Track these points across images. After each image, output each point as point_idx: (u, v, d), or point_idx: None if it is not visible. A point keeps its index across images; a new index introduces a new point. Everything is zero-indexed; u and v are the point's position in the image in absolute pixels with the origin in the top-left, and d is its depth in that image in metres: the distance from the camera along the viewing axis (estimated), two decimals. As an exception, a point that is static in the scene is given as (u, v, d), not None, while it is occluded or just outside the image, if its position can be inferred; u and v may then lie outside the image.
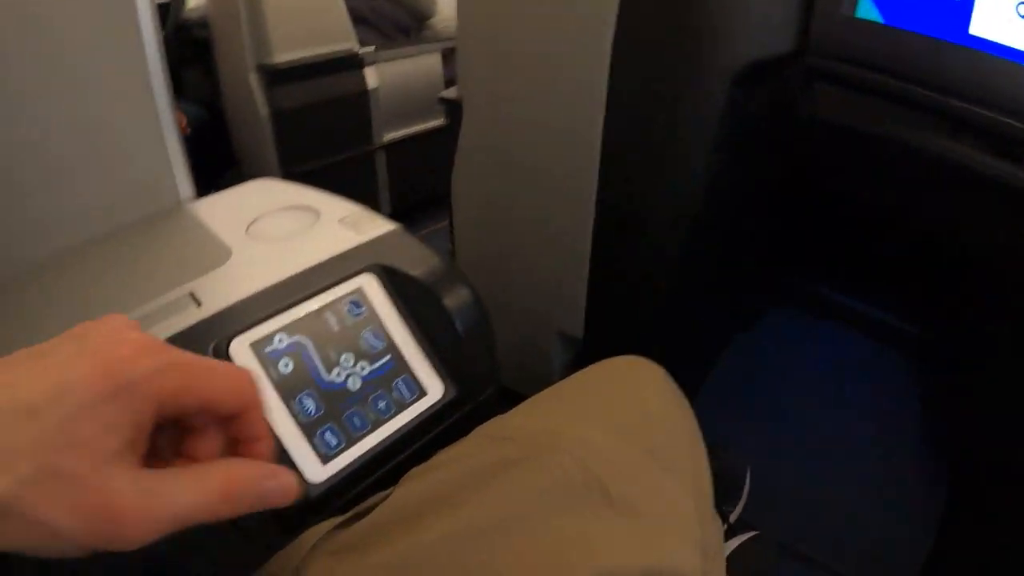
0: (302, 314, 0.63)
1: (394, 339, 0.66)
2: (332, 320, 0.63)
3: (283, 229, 0.79)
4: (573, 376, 0.71)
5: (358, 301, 0.65)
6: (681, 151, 1.04)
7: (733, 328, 1.70)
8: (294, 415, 0.59)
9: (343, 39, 2.09)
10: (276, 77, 2.02)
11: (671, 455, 0.59)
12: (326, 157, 2.14)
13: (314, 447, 0.59)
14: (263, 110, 2.03)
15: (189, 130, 2.27)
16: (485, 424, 0.62)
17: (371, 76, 2.15)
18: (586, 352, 1.41)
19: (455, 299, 0.67)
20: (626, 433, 0.58)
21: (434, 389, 0.67)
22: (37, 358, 0.31)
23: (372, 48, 2.14)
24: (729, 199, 1.19)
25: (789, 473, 1.37)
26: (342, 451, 0.61)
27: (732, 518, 1.23)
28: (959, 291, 1.42)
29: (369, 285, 0.67)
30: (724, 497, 1.25)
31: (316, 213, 0.81)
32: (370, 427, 0.62)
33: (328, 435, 0.60)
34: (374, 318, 0.65)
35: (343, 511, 0.58)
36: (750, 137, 1.13)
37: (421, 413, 0.65)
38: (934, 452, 1.44)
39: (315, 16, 2.04)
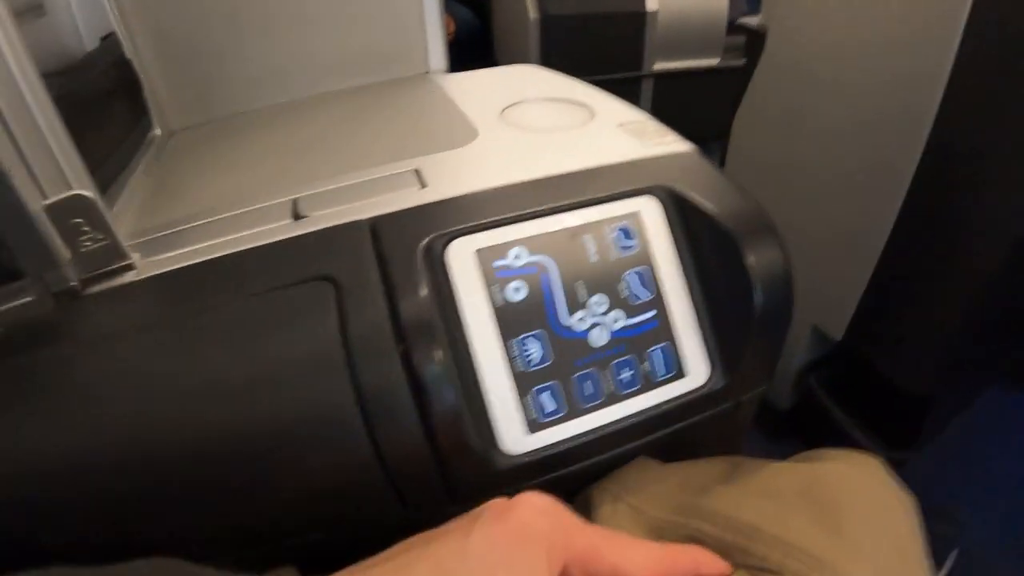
0: (552, 229, 0.46)
1: (666, 292, 0.48)
2: (591, 246, 0.46)
3: (546, 120, 0.62)
4: (800, 469, 0.51)
5: (630, 229, 0.47)
6: None
7: (1001, 380, 1.38)
8: (510, 359, 0.43)
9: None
10: (551, -20, 1.86)
11: None
12: (590, 74, 1.97)
13: (523, 407, 0.43)
14: (532, 13, 1.89)
15: (454, 34, 2.20)
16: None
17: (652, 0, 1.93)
18: (837, 357, 1.18)
19: (763, 259, 0.47)
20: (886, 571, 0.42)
21: (697, 371, 0.48)
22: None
23: (655, -29, 1.92)
24: None
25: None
26: (559, 422, 0.44)
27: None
28: None
29: (649, 211, 0.48)
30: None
31: (590, 111, 0.64)
32: (604, 399, 0.45)
33: (546, 397, 0.44)
34: (647, 256, 0.47)
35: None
36: None
37: (672, 399, 0.47)
38: None
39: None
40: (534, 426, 0.43)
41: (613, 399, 0.45)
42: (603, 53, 1.98)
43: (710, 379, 0.48)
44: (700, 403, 0.48)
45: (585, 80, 1.99)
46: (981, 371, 1.18)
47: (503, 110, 0.65)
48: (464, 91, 0.73)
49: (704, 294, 0.49)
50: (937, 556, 1.06)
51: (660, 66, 2.06)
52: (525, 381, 0.43)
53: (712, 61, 2.09)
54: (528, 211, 0.46)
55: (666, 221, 0.49)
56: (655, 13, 1.94)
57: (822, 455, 0.52)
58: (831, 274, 1.03)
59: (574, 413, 0.44)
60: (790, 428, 1.30)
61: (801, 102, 1.02)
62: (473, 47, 2.34)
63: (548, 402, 0.44)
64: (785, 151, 1.06)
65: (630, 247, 0.47)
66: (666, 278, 0.48)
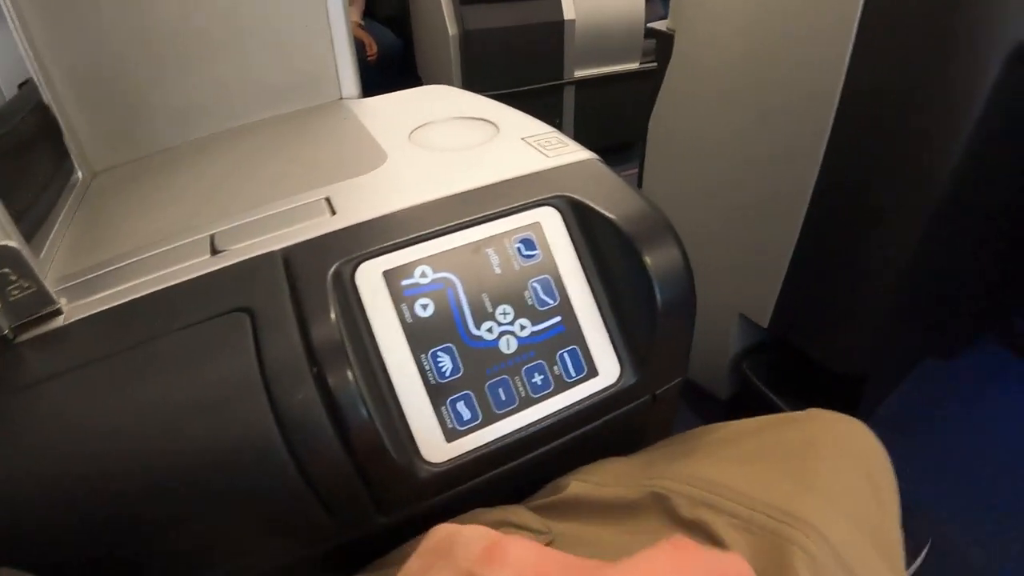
0: (456, 245, 0.48)
1: (570, 296, 0.50)
2: (494, 259, 0.48)
3: (453, 139, 0.64)
4: (767, 423, 0.55)
5: (532, 240, 0.50)
6: (932, 130, 0.82)
7: (934, 351, 1.44)
8: (423, 373, 0.45)
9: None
10: (470, -4, 1.90)
11: (889, 546, 0.46)
12: (513, 85, 2.01)
13: (440, 417, 0.45)
14: (452, 29, 1.92)
15: (376, 56, 2.21)
16: (668, 463, 0.49)
17: (569, 7, 1.98)
18: (765, 346, 1.22)
19: (661, 259, 0.50)
20: (861, 523, 0.44)
21: (608, 370, 0.51)
22: None
23: (571, -20, 1.97)
24: (978, 200, 0.95)
25: (973, 535, 1.14)
26: (475, 429, 0.46)
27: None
28: None
29: (549, 221, 0.51)
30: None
31: (495, 127, 0.66)
32: (518, 404, 0.47)
33: (461, 406, 0.46)
34: (549, 265, 0.50)
35: (458, 502, 0.47)
36: (1016, 133, 0.89)
37: (585, 399, 0.49)
38: None
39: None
40: (452, 435, 0.45)
41: (527, 403, 0.47)
42: (524, 64, 2.02)
43: (621, 377, 0.51)
44: (613, 400, 0.51)
45: (508, 91, 2.03)
46: (909, 347, 1.24)
47: (412, 132, 0.67)
48: (375, 115, 0.75)
49: (609, 296, 0.51)
50: (909, 551, 1.10)
51: (582, 73, 2.10)
52: (439, 392, 0.45)
53: (632, 65, 2.14)
54: (432, 230, 0.48)
55: (567, 229, 0.51)
56: (573, 21, 1.98)
57: (793, 416, 0.55)
58: (753, 263, 1.07)
59: (490, 419, 0.46)
60: (733, 417, 1.33)
61: (709, 98, 1.06)
62: (396, 67, 2.36)
63: (463, 411, 0.46)
64: (699, 147, 1.10)
65: (532, 256, 0.49)
66: (570, 284, 0.50)
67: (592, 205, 0.51)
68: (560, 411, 0.48)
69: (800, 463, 0.47)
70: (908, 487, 1.20)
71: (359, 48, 2.17)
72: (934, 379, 1.42)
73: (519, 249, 0.49)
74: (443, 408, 0.45)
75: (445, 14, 1.92)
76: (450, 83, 1.99)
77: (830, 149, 0.90)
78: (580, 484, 0.48)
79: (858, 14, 0.81)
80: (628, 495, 0.46)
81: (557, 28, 1.98)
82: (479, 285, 0.47)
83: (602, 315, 0.51)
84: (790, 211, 0.97)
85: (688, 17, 1.07)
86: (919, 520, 1.14)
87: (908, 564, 1.08)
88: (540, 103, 2.11)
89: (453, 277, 0.47)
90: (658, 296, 0.49)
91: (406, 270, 0.46)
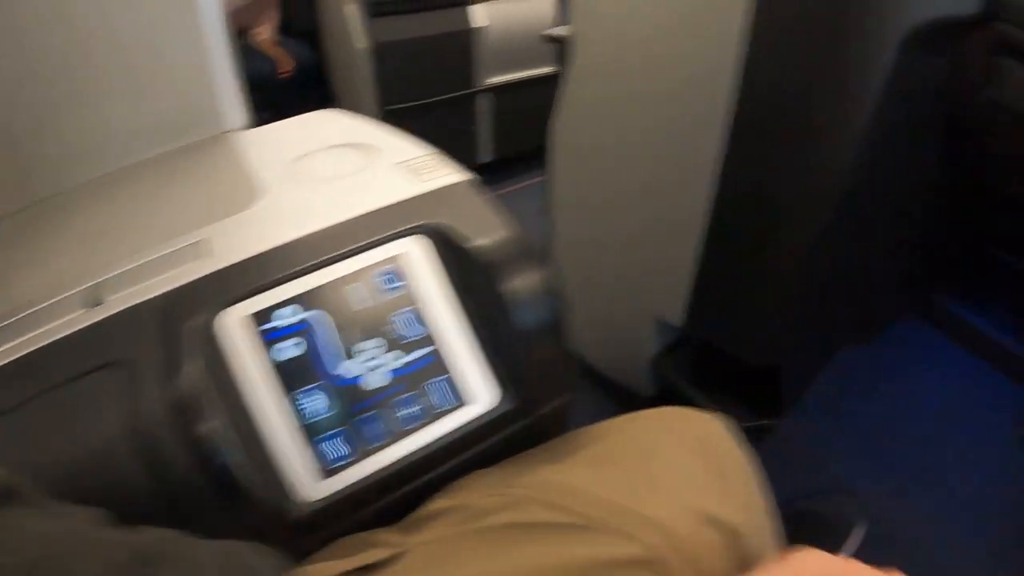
0: (322, 282, 0.48)
1: (439, 326, 0.50)
2: (360, 294, 0.49)
3: (330, 169, 0.64)
4: (624, 424, 0.57)
5: (396, 272, 0.50)
6: (830, 123, 0.84)
7: (851, 338, 1.48)
8: (293, 413, 0.45)
9: (450, -28, 1.94)
10: (376, 8, 1.90)
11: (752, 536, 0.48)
12: (425, 96, 2.01)
13: (316, 455, 0.45)
14: (361, 43, 1.91)
15: (291, 72, 2.18)
16: (528, 470, 0.50)
17: (478, 14, 1.99)
18: (685, 343, 1.25)
19: (521, 283, 0.50)
20: (711, 516, 0.46)
21: (482, 397, 0.51)
22: None
23: (481, -17, 1.98)
24: (880, 187, 0.99)
25: (907, 510, 1.17)
26: (350, 464, 0.46)
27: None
28: None
29: (413, 252, 0.51)
30: (831, 544, 1.10)
31: (373, 152, 0.66)
32: (391, 438, 0.48)
33: (335, 442, 0.46)
34: (414, 296, 0.50)
35: (339, 536, 0.47)
36: (915, 117, 0.93)
37: (460, 427, 0.50)
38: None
39: (420, -55, 1.90)
40: (325, 473, 0.45)
41: (400, 436, 0.48)
42: (436, 74, 2.02)
43: (497, 402, 0.51)
44: (491, 426, 0.51)
45: (421, 102, 2.03)
46: (824, 335, 1.27)
47: (292, 163, 0.67)
48: (258, 147, 0.74)
49: (479, 323, 0.52)
50: (843, 532, 1.12)
51: (496, 79, 2.11)
52: (310, 431, 0.45)
53: (548, 69, 2.16)
54: (298, 268, 0.48)
55: (432, 258, 0.52)
56: (483, 28, 1.98)
57: (643, 415, 0.59)
58: (663, 264, 1.09)
59: (363, 455, 0.47)
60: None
61: (609, 103, 1.07)
62: (314, 82, 2.33)
63: (335, 448, 0.46)
64: (602, 151, 1.11)
65: (398, 288, 0.50)
66: (437, 313, 0.50)
67: (454, 232, 0.52)
68: (435, 441, 0.49)
69: (646, 463, 0.50)
70: (840, 468, 1.24)
71: (272, 67, 2.14)
72: (858, 359, 1.46)
73: (384, 282, 0.50)
74: (315, 447, 0.45)
75: (354, 28, 1.91)
76: (363, 96, 1.99)
77: (731, 149, 0.92)
78: (442, 499, 0.49)
79: (751, 15, 0.83)
80: (486, 504, 0.46)
81: (467, 36, 1.98)
82: (346, 321, 0.48)
83: (473, 343, 0.52)
84: (694, 212, 0.99)
85: (585, 22, 1.08)
86: (852, 500, 1.18)
87: (841, 544, 1.11)
88: (454, 113, 2.12)
89: (319, 315, 0.47)
90: (519, 321, 0.50)
91: (272, 311, 0.46)
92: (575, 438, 0.56)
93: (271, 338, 0.46)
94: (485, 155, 2.27)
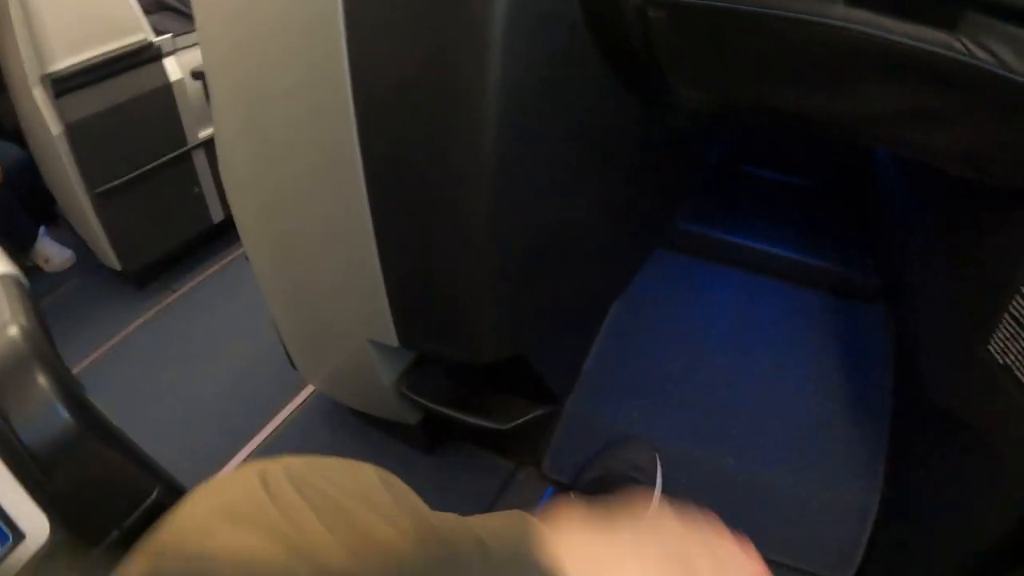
0: None
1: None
2: None
3: None
4: None
5: None
6: (457, 94, 0.75)
7: (612, 291, 1.42)
8: None
9: (133, 30, 1.77)
10: (63, 86, 1.70)
11: None
12: (136, 167, 1.84)
13: None
14: (55, 127, 1.72)
15: (3, 176, 1.95)
16: None
17: (173, 67, 1.84)
18: (422, 362, 1.14)
19: (24, 408, 0.38)
20: None
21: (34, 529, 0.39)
22: None
23: (170, 36, 1.83)
24: (558, 147, 0.90)
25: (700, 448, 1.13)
26: None
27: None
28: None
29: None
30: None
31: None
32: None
33: None
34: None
35: None
36: (563, 61, 0.84)
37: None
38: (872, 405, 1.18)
39: (95, 9, 1.71)
40: None
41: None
42: (142, 141, 1.86)
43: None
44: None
45: (134, 171, 1.86)
46: (567, 306, 1.19)
47: None
48: None
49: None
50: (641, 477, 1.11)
51: (209, 131, 1.96)
52: None
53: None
54: None
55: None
56: (181, 80, 1.83)
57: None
58: (356, 285, 0.97)
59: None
60: (434, 435, 1.26)
61: (247, 130, 0.95)
62: (30, 184, 2.10)
63: None
64: (260, 181, 0.98)
65: None
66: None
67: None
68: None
69: None
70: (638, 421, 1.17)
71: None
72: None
73: None
74: None
75: (44, 113, 1.72)
76: (70, 182, 1.79)
77: (366, 146, 0.82)
78: None
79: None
80: None
81: (166, 92, 1.82)
82: None
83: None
84: (360, 221, 0.88)
85: (207, 51, 0.95)
86: (647, 448, 1.15)
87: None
88: (173, 177, 1.96)
89: None
90: (30, 447, 0.38)
91: None
92: None
93: None
94: (217, 214, 2.13)
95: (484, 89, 0.74)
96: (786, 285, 1.38)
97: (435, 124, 0.78)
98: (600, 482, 1.08)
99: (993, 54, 0.58)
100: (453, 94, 0.76)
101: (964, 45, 0.58)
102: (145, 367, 1.76)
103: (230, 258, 2.12)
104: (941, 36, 0.59)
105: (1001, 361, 0.79)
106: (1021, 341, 0.77)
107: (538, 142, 0.85)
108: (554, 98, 0.84)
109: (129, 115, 1.79)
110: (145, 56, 1.79)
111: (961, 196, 0.93)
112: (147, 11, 1.82)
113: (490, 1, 0.69)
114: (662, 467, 1.10)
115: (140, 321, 1.94)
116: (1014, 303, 0.77)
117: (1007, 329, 0.79)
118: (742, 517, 0.99)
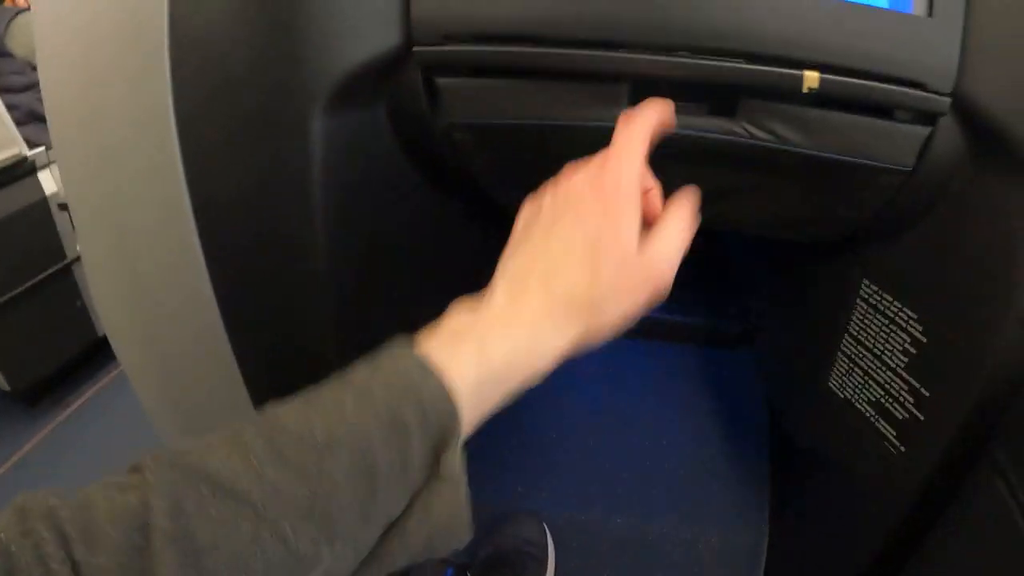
0: None
1: None
2: None
3: None
4: None
5: None
6: (278, 203, 0.78)
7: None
8: None
9: (7, 144, 1.75)
10: (-73, 213, 1.67)
11: None
12: (14, 286, 1.80)
13: None
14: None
15: None
16: None
17: (48, 180, 1.82)
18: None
19: None
20: None
21: None
22: None
23: (43, 149, 1.81)
24: (387, 238, 0.93)
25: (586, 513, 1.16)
26: None
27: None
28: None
29: None
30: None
31: None
32: None
33: None
34: None
35: None
36: (381, 169, 0.88)
37: None
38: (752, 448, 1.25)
39: (-38, 127, 1.69)
40: None
41: None
42: (19, 258, 1.83)
43: None
44: None
45: (11, 291, 1.81)
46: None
47: None
48: None
49: None
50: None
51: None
52: None
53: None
54: None
55: None
56: (58, 193, 1.82)
57: None
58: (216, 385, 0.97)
59: None
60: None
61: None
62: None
63: None
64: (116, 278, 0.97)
65: None
66: None
67: None
68: None
69: None
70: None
71: None
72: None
73: None
74: None
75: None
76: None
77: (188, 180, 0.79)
78: None
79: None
80: None
81: (43, 207, 1.80)
82: None
83: None
84: (200, 306, 0.87)
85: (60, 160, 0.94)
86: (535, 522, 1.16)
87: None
88: (56, 292, 1.93)
89: None
90: None
91: None
92: None
93: None
94: (102, 327, 2.07)
95: (310, 219, 0.78)
96: (655, 344, 1.45)
97: (269, 254, 0.81)
98: (494, 559, 1.11)
99: (771, 132, 0.66)
100: (283, 229, 0.79)
101: (744, 128, 0.66)
102: (46, 485, 1.70)
103: (120, 368, 2.07)
104: (724, 123, 0.67)
105: (842, 396, 0.87)
106: (855, 376, 0.84)
107: (372, 260, 0.89)
108: (379, 219, 0.89)
109: (5, 232, 1.75)
110: (19, 171, 1.77)
111: (794, 250, 1.02)
112: (19, 123, 1.81)
113: (304, 137, 0.73)
114: (552, 537, 1.13)
115: (36, 440, 1.88)
116: (844, 342, 0.85)
117: (842, 366, 0.87)
118: (638, 572, 1.03)
